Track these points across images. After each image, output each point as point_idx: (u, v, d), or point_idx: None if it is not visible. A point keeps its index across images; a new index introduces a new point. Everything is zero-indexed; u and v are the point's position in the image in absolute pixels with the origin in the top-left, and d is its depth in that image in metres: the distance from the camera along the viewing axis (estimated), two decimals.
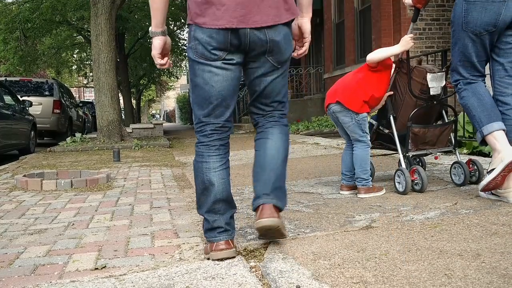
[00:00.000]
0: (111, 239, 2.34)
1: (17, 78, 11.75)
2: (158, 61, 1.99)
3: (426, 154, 3.24)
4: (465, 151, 4.69)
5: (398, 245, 1.89)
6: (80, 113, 14.63)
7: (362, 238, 2.02)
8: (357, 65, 9.92)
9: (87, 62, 23.56)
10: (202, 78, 1.87)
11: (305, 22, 2.00)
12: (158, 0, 1.89)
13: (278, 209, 1.90)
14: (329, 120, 10.61)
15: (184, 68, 33.34)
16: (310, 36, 2.04)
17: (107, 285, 1.70)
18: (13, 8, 14.96)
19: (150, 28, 1.96)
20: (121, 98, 16.88)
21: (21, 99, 9.11)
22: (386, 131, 3.12)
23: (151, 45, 2.02)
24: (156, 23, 1.93)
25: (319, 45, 13.70)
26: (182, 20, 19.03)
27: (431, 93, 2.97)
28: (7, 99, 8.28)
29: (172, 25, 19.80)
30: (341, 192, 3.08)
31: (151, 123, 12.94)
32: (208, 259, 1.90)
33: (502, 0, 2.37)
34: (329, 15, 11.96)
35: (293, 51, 2.04)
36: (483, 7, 2.39)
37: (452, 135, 3.13)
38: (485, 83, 2.66)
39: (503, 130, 2.45)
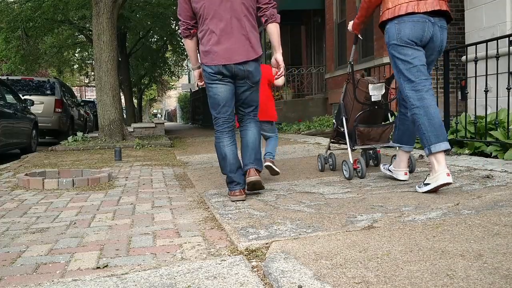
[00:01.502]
0: (112, 238, 2.34)
1: (19, 77, 11.76)
2: (198, 83, 3.32)
3: (371, 149, 4.08)
4: (467, 151, 4.69)
5: (400, 245, 1.89)
6: (82, 112, 14.63)
7: (364, 238, 2.02)
8: (359, 65, 9.92)
9: (88, 61, 23.60)
10: (212, 92, 3.09)
11: (278, 56, 3.13)
12: (189, 49, 3.24)
13: (258, 171, 3.11)
14: (331, 120, 10.62)
15: (186, 68, 33.30)
16: (283, 64, 3.17)
17: (109, 284, 1.70)
18: (15, 7, 14.97)
19: (190, 66, 3.08)
20: (122, 97, 16.91)
21: (22, 98, 9.12)
22: (342, 129, 3.83)
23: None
24: (192, 62, 3.31)
25: (321, 45, 13.67)
26: None
27: (373, 99, 3.70)
28: (9, 98, 8.28)
29: (174, 25, 19.80)
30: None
31: (153, 122, 12.95)
32: (211, 255, 1.91)
33: (424, 21, 2.95)
34: (331, 15, 11.95)
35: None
36: (412, 25, 2.95)
37: (392, 133, 3.68)
38: (431, 84, 3.01)
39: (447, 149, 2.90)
